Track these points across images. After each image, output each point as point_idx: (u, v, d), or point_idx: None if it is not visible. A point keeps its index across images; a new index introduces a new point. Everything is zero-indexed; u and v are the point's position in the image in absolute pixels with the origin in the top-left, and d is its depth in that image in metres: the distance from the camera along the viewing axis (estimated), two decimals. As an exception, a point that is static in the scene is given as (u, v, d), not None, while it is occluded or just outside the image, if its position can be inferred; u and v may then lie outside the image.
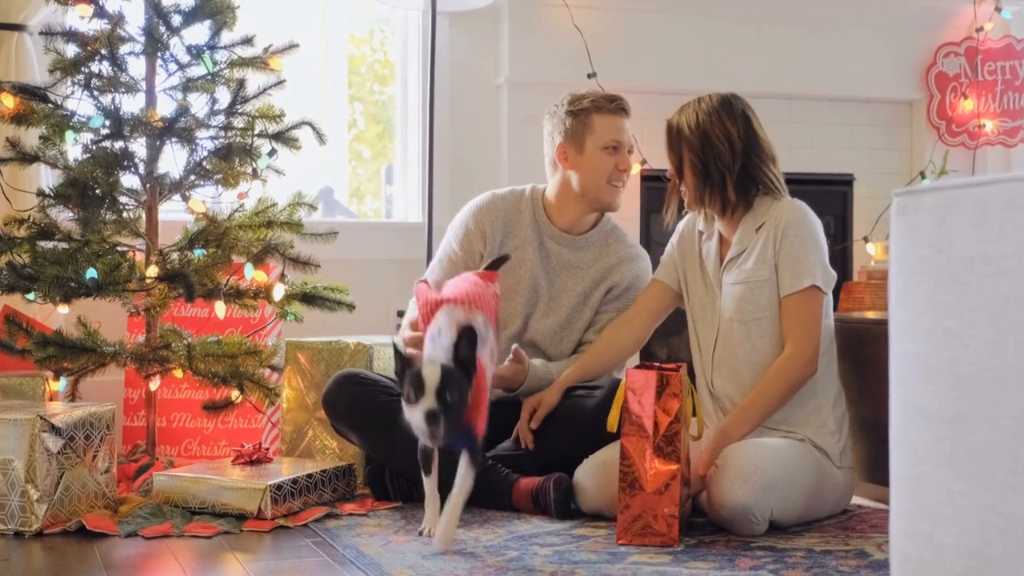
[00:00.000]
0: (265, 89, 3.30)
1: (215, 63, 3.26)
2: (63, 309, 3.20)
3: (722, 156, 2.71)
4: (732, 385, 2.72)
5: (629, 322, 2.91)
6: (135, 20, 3.24)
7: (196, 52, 3.25)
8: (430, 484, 2.44)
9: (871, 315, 3.41)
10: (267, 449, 3.00)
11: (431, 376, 2.24)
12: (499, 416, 2.91)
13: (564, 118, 3.01)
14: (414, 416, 2.25)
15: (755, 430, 2.62)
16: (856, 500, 2.86)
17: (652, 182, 4.38)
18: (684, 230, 2.90)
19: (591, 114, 2.98)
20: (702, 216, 2.82)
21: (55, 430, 2.56)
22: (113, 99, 3.19)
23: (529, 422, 2.83)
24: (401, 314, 4.15)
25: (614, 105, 3.00)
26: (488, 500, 2.75)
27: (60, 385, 3.23)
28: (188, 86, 3.25)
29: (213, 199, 3.37)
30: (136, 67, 3.26)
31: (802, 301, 2.65)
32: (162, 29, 3.22)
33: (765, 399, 2.63)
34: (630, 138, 3.04)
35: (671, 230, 2.94)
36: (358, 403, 2.86)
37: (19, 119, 3.20)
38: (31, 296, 3.18)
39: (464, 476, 2.35)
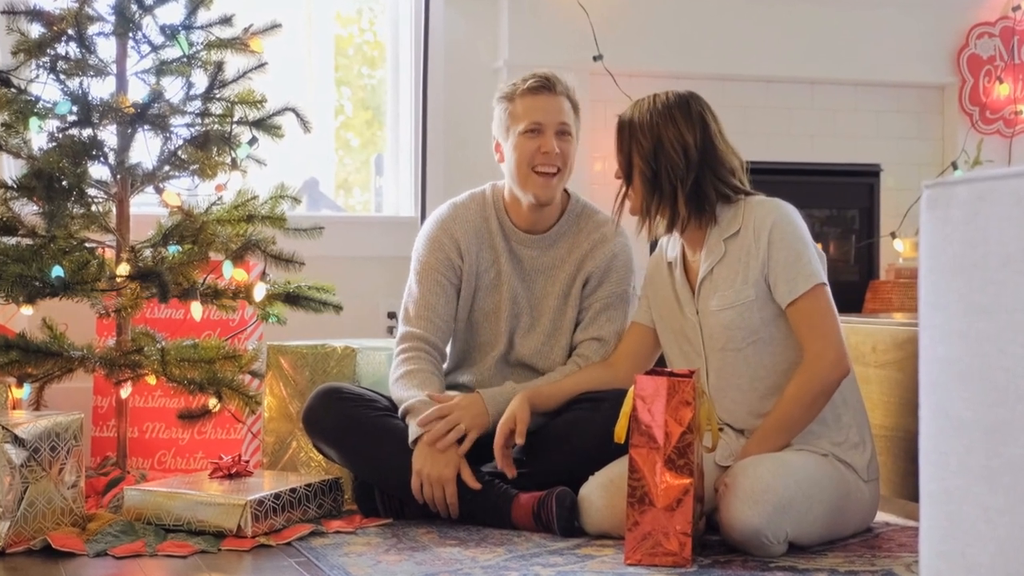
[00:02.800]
0: (245, 73, 3.30)
1: (191, 44, 3.26)
2: (27, 310, 3.20)
3: (675, 166, 2.64)
4: (743, 414, 2.69)
5: (610, 367, 2.86)
6: (105, -2, 3.25)
7: (170, 32, 3.25)
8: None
9: (899, 316, 3.42)
10: (247, 462, 3.00)
11: None
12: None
13: (496, 109, 2.96)
14: None
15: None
16: (884, 517, 2.86)
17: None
18: (651, 266, 2.86)
19: (514, 100, 2.91)
20: (645, 230, 2.73)
21: (18, 441, 2.56)
22: (81, 83, 3.19)
23: (504, 447, 2.74)
24: (392, 315, 4.16)
25: (531, 83, 2.90)
26: (486, 517, 2.75)
27: (24, 392, 3.22)
28: (162, 69, 3.26)
29: (189, 191, 3.37)
30: (106, 49, 3.26)
31: (808, 303, 2.59)
32: (134, 8, 3.22)
33: (792, 414, 2.58)
34: (562, 121, 2.89)
35: (614, 231, 2.89)
36: (342, 420, 2.85)
37: (-21, 105, 3.20)
38: (-8, 296, 3.18)
39: None
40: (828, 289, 2.64)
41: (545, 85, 2.89)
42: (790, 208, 2.68)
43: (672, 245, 2.82)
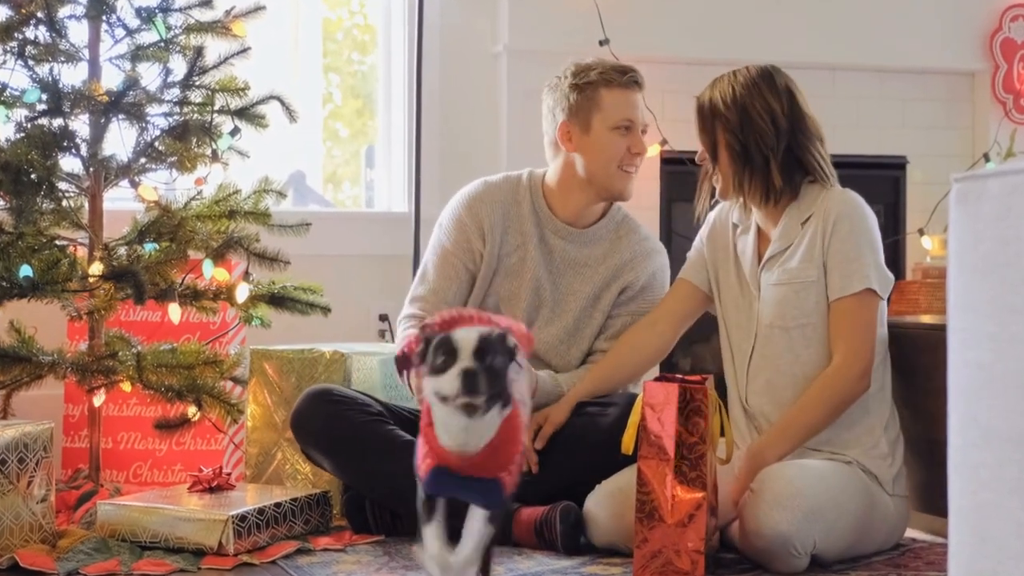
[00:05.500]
0: (227, 58, 3.30)
1: (169, 28, 3.26)
2: (-7, 312, 3.21)
3: (764, 136, 2.72)
4: (769, 401, 2.73)
5: (652, 326, 2.92)
6: (76, -22, 3.25)
7: (147, 15, 3.25)
8: (433, 536, 2.11)
9: (927, 319, 3.42)
10: (229, 474, 3.00)
11: (467, 339, 2.05)
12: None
13: (568, 92, 3.00)
14: (443, 383, 2.03)
15: (794, 451, 2.63)
16: (910, 533, 2.86)
17: (673, 166, 4.39)
18: (716, 222, 2.91)
19: (599, 88, 2.98)
20: (738, 206, 2.82)
21: (-16, 452, 2.56)
22: (51, 69, 3.19)
23: (533, 442, 2.82)
24: (384, 318, 4.16)
25: (626, 78, 3.00)
26: (484, 533, 2.75)
27: (-10, 400, 3.23)
28: (138, 55, 3.26)
29: (166, 185, 3.37)
30: (78, 33, 3.26)
31: (854, 305, 2.66)
32: (108, -12, 3.22)
33: (808, 417, 2.64)
34: (644, 116, 3.04)
35: (701, 222, 2.94)
36: (333, 424, 2.86)
37: (-58, 93, 3.20)
38: (-44, 297, 3.18)
39: (474, 534, 2.08)
40: (879, 303, 2.69)
41: (637, 81, 3.02)
42: (865, 205, 2.75)
43: (735, 212, 2.87)
